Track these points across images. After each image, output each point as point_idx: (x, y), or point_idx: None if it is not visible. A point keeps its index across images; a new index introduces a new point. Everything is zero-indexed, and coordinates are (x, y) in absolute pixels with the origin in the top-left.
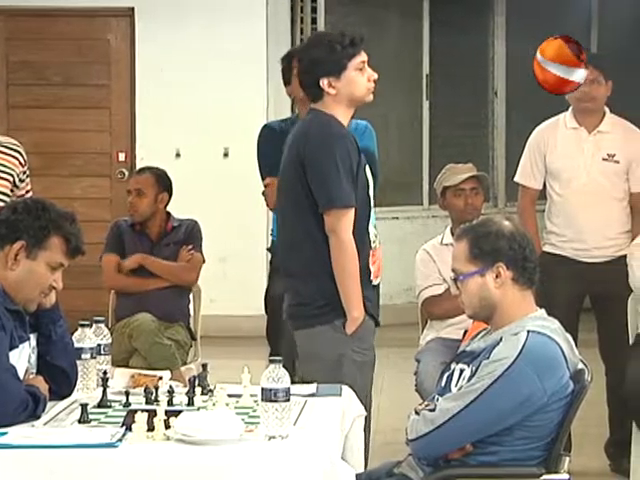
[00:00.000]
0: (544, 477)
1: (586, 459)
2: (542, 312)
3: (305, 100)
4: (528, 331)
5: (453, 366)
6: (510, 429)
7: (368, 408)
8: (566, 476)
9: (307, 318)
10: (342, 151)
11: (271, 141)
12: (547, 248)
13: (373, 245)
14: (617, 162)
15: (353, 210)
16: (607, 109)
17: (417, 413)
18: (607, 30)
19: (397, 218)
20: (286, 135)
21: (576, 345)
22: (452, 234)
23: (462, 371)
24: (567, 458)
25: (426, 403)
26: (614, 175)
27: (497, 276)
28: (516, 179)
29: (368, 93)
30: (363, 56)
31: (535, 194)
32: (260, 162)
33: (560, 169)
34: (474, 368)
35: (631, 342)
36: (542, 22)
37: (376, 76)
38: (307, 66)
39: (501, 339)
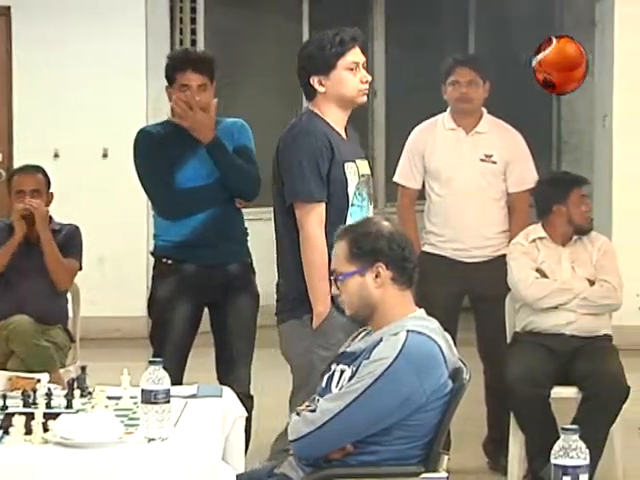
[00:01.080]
0: (423, 476)
1: (465, 457)
2: (421, 312)
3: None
4: (407, 331)
5: (334, 367)
6: (390, 429)
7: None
8: (444, 474)
9: (282, 313)
10: (308, 147)
11: (148, 145)
12: (426, 248)
13: None
14: (494, 162)
15: (322, 205)
16: (484, 110)
17: (298, 414)
18: (484, 32)
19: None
20: (163, 138)
21: (455, 344)
22: None
23: (343, 372)
24: (446, 457)
25: (307, 404)
26: (492, 175)
27: (377, 276)
28: (395, 179)
29: (359, 94)
30: (356, 57)
31: (414, 194)
32: (137, 167)
33: (439, 169)
34: (354, 369)
35: (509, 341)
36: (421, 23)
37: (369, 78)
38: (301, 63)
39: (381, 339)
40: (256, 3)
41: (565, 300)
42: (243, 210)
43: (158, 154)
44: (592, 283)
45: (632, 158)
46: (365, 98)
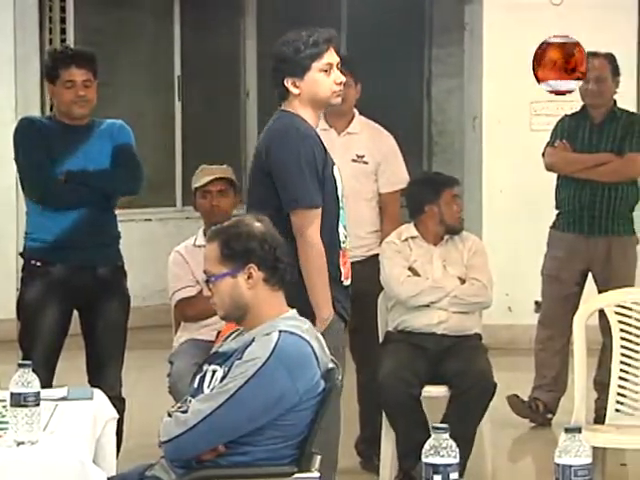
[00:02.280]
0: (296, 476)
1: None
2: (294, 312)
3: (72, 103)
4: (280, 331)
5: (205, 367)
6: (262, 429)
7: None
8: (317, 474)
9: None
10: (306, 151)
11: (30, 130)
12: None
13: (343, 245)
14: (366, 163)
15: (320, 210)
16: (356, 111)
17: (170, 415)
18: (356, 32)
19: (150, 220)
20: (47, 129)
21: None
22: (205, 235)
23: (214, 372)
24: (318, 457)
25: (178, 405)
26: (363, 176)
27: (249, 277)
28: None
29: (333, 95)
30: (330, 58)
31: None
32: (17, 151)
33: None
34: (226, 369)
35: (381, 340)
36: (293, 23)
37: (343, 79)
38: (274, 65)
39: (253, 339)
40: (127, 3)
41: (436, 298)
42: (120, 211)
43: (39, 141)
44: (463, 282)
45: (501, 159)
46: (340, 99)
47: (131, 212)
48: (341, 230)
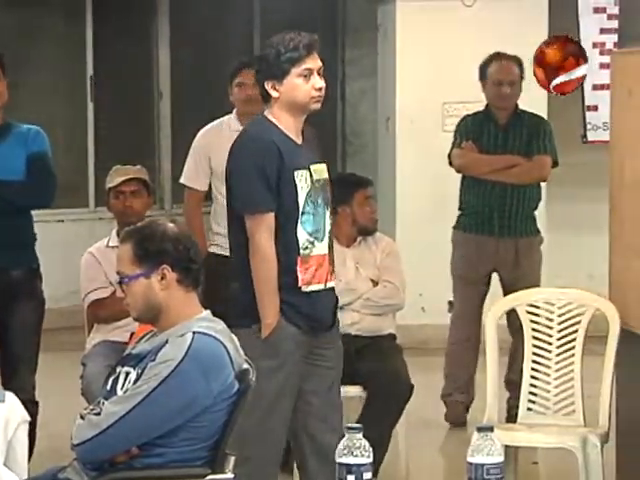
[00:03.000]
0: (209, 477)
1: None
2: (207, 313)
3: None
4: (194, 332)
5: (119, 369)
6: (176, 430)
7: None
8: (231, 475)
9: (231, 318)
10: (255, 156)
11: None
12: (213, 249)
13: (305, 251)
14: None
15: (271, 215)
16: None
17: (82, 417)
18: (270, 33)
19: (62, 221)
20: None
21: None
22: (118, 236)
23: (128, 374)
24: (232, 457)
25: (91, 407)
26: None
27: (162, 278)
28: (182, 181)
29: (312, 101)
30: (310, 63)
31: (201, 196)
32: None
33: (225, 171)
34: (140, 371)
35: None
36: (206, 25)
37: (322, 85)
38: (257, 67)
39: (167, 341)
40: (38, 3)
41: (349, 300)
42: (33, 212)
43: None
44: (376, 284)
45: (414, 160)
46: (319, 105)
47: (44, 213)
48: (302, 235)
